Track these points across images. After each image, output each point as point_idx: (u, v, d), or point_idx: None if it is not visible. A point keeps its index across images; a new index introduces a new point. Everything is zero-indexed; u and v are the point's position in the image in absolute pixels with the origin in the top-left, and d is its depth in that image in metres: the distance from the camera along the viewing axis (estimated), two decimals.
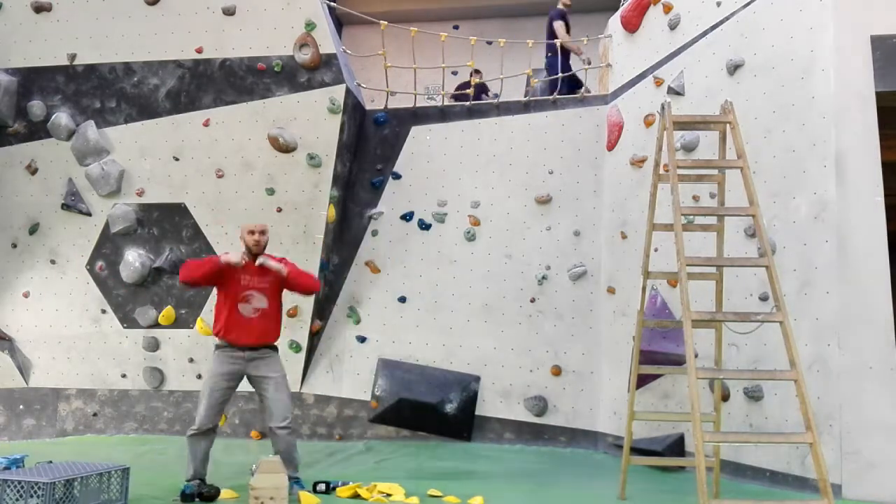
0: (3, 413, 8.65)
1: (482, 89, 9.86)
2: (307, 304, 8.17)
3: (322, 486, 5.47)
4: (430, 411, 8.05)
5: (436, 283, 8.35)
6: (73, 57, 8.20)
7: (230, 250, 8.18)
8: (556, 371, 8.06)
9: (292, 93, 7.93)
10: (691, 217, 6.27)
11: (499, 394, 8.14)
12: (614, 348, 7.78)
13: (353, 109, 8.25)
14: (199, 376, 8.32)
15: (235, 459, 6.97)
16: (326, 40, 7.85)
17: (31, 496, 4.34)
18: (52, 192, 8.39)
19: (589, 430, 7.96)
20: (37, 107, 8.27)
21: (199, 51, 8.01)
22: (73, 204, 8.35)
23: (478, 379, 8.18)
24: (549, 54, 9.15)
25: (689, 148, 6.95)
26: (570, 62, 9.13)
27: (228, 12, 7.92)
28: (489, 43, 9.13)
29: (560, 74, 8.62)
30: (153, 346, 8.40)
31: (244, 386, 8.36)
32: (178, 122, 8.12)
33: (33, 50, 8.22)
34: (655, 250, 6.14)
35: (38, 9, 8.11)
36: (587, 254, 8.17)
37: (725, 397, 6.28)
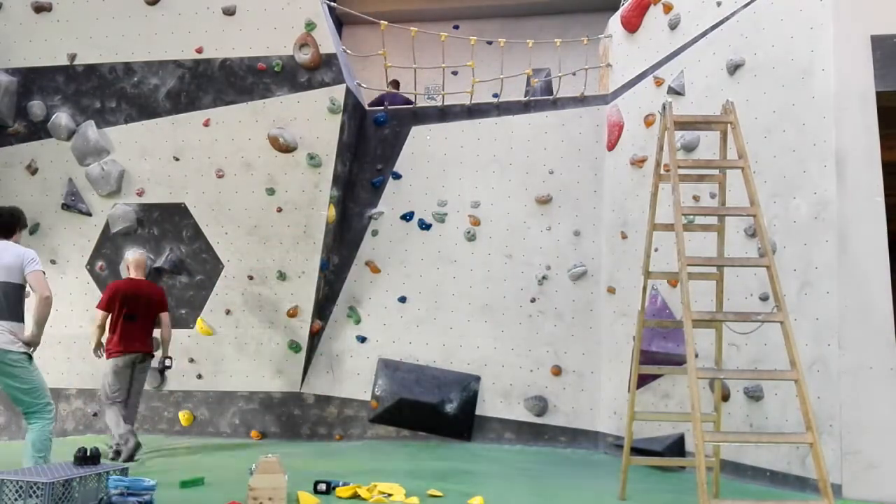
0: (3, 413, 8.64)
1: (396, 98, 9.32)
2: (307, 303, 8.18)
3: (322, 486, 5.46)
4: (430, 411, 8.05)
5: (436, 283, 8.35)
6: (73, 57, 8.20)
7: (229, 252, 8.21)
8: (557, 371, 8.06)
9: (292, 93, 7.93)
10: (692, 217, 6.27)
11: (499, 394, 8.14)
12: (614, 348, 7.78)
13: (353, 109, 8.25)
14: (200, 376, 8.33)
15: (235, 459, 6.97)
16: (326, 40, 7.85)
17: (31, 496, 4.33)
18: (52, 192, 8.39)
19: (589, 430, 7.96)
20: (37, 107, 8.26)
21: (199, 51, 8.01)
22: (73, 204, 8.35)
23: (478, 379, 8.17)
24: None
25: (689, 148, 6.95)
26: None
27: (228, 12, 7.92)
28: (489, 43, 9.13)
29: None
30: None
31: (244, 386, 8.41)
32: (178, 122, 8.12)
33: (33, 50, 8.22)
34: (656, 250, 6.14)
35: (38, 9, 8.11)
36: (587, 254, 8.17)
37: (726, 397, 6.28)
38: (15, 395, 5.16)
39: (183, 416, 8.41)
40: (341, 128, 7.99)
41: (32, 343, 5.19)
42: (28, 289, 5.17)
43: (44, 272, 5.21)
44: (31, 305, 5.14)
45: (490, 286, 8.27)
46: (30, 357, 5.16)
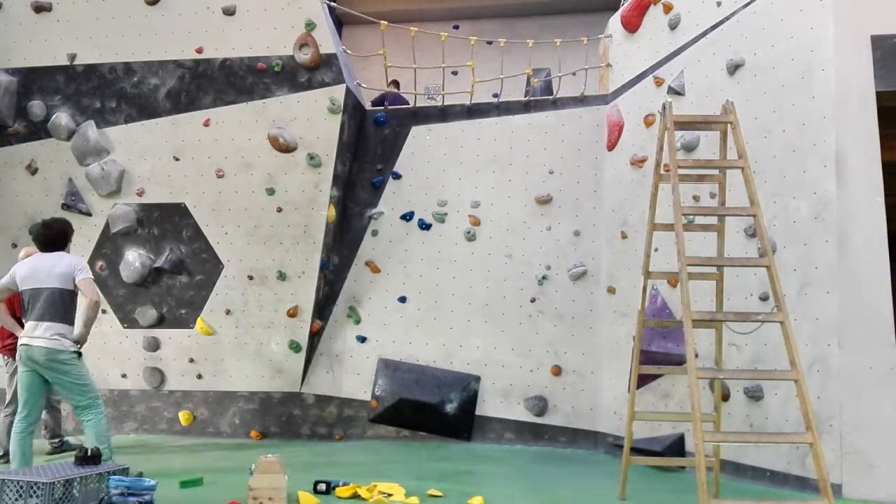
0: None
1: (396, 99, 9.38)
2: (307, 303, 8.18)
3: (322, 486, 5.46)
4: (430, 411, 8.05)
5: (436, 283, 8.35)
6: (73, 57, 8.20)
7: (229, 252, 8.21)
8: (556, 371, 8.06)
9: (292, 93, 7.93)
10: (692, 217, 6.27)
11: (499, 394, 8.14)
12: (614, 348, 7.78)
13: (353, 109, 8.25)
14: (200, 376, 8.33)
15: (235, 459, 6.97)
16: (326, 40, 7.85)
17: (31, 496, 4.33)
18: (52, 192, 8.39)
19: (589, 430, 7.96)
20: (37, 107, 8.26)
21: (199, 51, 8.01)
22: (73, 204, 8.35)
23: (478, 379, 8.18)
24: None
25: (689, 148, 6.95)
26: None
27: (228, 12, 7.91)
28: (489, 43, 9.12)
29: None
30: (153, 346, 8.40)
31: (244, 386, 8.41)
32: (178, 122, 8.12)
33: (33, 50, 8.21)
34: (656, 250, 6.14)
35: (38, 9, 8.11)
36: (587, 254, 8.17)
37: (725, 397, 6.28)
38: (67, 392, 5.48)
39: (183, 416, 8.41)
40: (341, 128, 7.99)
41: (80, 341, 5.47)
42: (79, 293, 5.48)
43: (92, 279, 5.55)
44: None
45: (490, 286, 8.27)
46: (79, 355, 5.47)
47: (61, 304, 5.39)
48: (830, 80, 5.86)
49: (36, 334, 5.33)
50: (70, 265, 5.46)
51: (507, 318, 8.20)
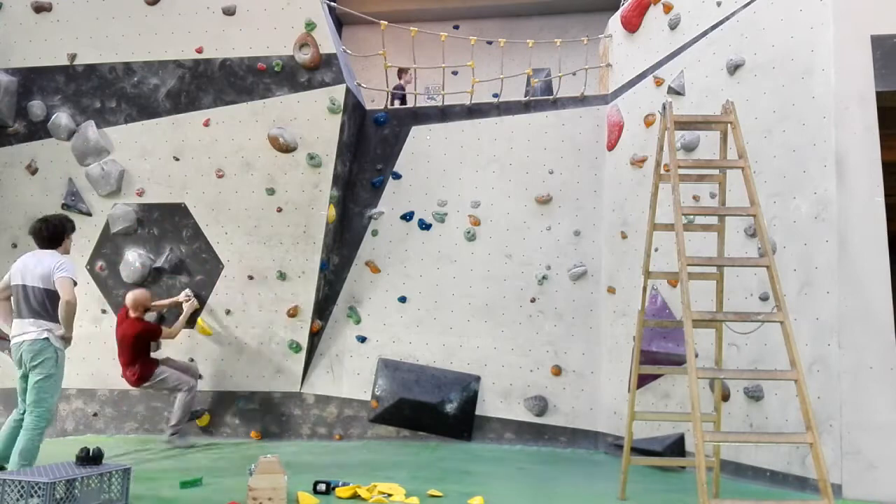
0: (2, 413, 8.63)
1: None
2: (307, 303, 8.18)
3: (322, 486, 5.46)
4: (430, 411, 8.05)
5: (436, 283, 8.36)
6: (73, 57, 8.20)
7: (229, 252, 8.21)
8: (556, 371, 8.06)
9: (292, 93, 7.94)
10: (692, 217, 6.28)
11: (499, 394, 8.15)
12: (614, 348, 7.78)
13: (353, 109, 8.25)
14: (200, 376, 8.31)
15: (235, 459, 6.97)
16: (326, 40, 7.86)
17: (32, 496, 4.34)
18: (52, 192, 8.39)
19: (589, 430, 7.96)
20: (37, 107, 8.26)
21: (199, 51, 8.01)
22: (73, 204, 8.35)
23: (478, 379, 8.18)
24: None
25: (689, 148, 6.95)
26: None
27: (228, 12, 7.92)
28: (489, 43, 9.13)
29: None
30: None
31: (244, 386, 8.40)
32: (178, 122, 8.12)
33: (33, 50, 8.21)
34: (656, 250, 6.15)
35: (38, 9, 8.11)
36: (587, 254, 8.17)
37: (726, 397, 6.28)
38: (31, 390, 5.50)
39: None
40: (341, 128, 7.99)
41: (64, 337, 5.52)
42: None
43: (70, 277, 5.52)
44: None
45: (490, 286, 8.27)
46: (56, 352, 5.53)
47: (45, 303, 5.46)
48: (830, 80, 5.86)
49: (24, 330, 5.45)
50: (51, 264, 5.49)
51: (507, 318, 8.21)
